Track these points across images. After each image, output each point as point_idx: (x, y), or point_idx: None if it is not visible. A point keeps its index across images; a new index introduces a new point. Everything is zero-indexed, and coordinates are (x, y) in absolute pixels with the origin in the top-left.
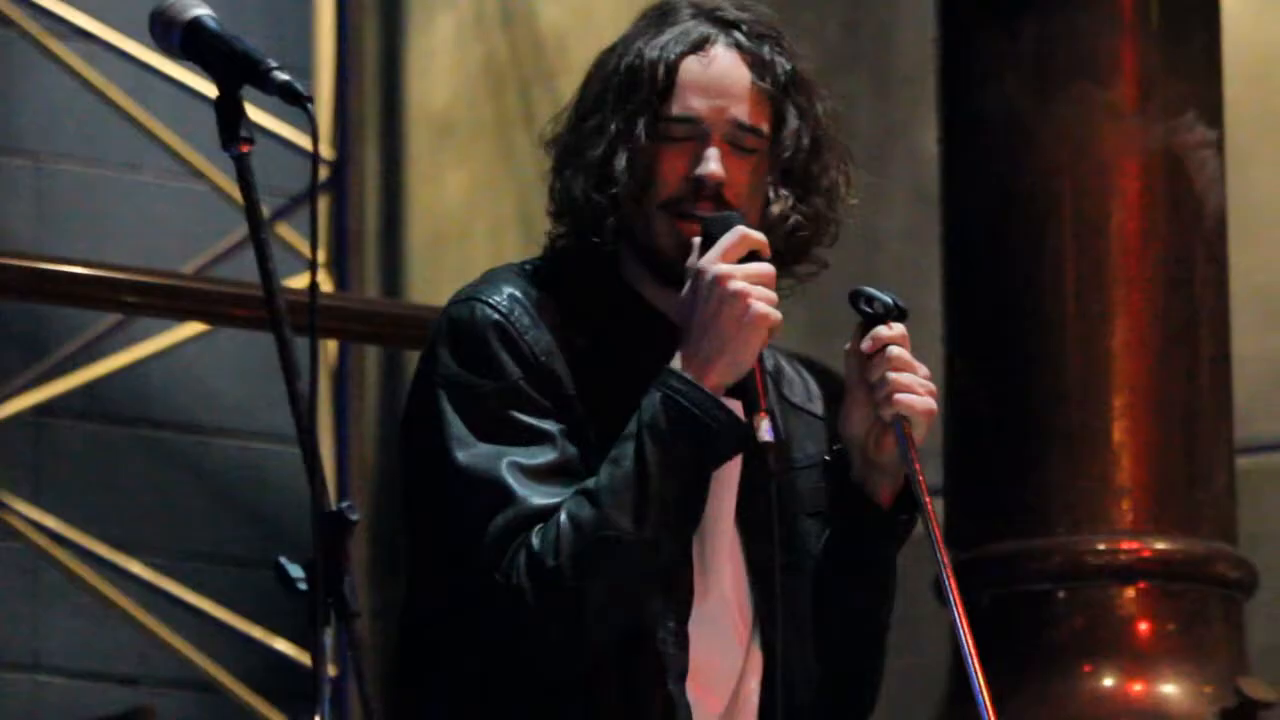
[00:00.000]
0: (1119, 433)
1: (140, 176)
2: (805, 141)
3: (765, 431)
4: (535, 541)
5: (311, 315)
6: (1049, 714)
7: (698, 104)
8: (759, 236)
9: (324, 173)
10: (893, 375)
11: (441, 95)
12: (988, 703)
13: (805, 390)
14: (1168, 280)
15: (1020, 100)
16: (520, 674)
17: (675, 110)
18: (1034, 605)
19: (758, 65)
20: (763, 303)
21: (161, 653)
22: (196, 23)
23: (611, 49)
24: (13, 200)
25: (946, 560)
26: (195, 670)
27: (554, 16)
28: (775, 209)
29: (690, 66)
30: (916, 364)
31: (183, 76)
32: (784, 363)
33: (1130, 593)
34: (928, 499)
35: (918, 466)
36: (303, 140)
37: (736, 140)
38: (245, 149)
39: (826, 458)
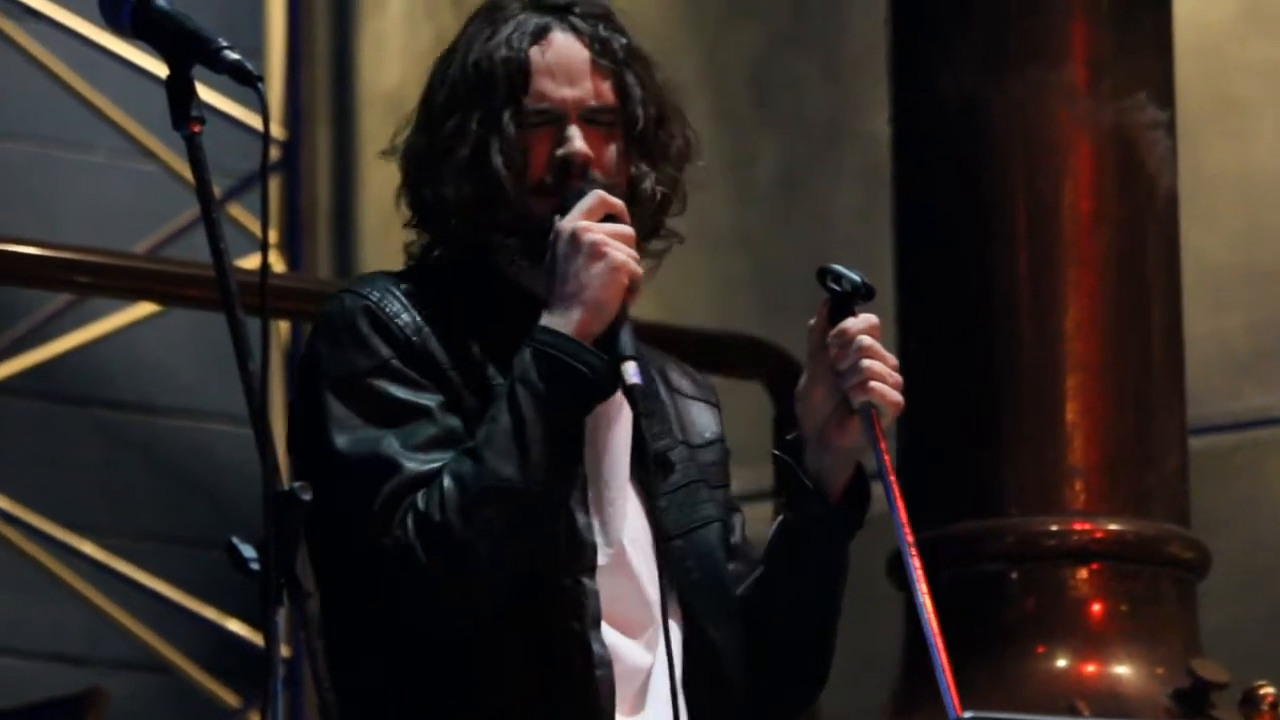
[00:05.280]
0: (1071, 414)
1: (91, 156)
2: (651, 111)
3: (632, 374)
4: (420, 501)
5: (262, 295)
6: (1002, 695)
7: (550, 90)
8: (616, 201)
9: (275, 153)
10: (866, 363)
11: (393, 75)
12: (951, 685)
13: (693, 383)
14: (1120, 261)
15: (972, 81)
16: (431, 642)
17: (531, 102)
18: (987, 586)
19: (595, 43)
20: (621, 251)
21: (113, 633)
22: (146, 1)
23: (448, 54)
24: None
25: (915, 552)
26: (147, 651)
27: None
28: (645, 185)
29: (534, 56)
30: (887, 354)
31: (134, 56)
32: (667, 364)
33: (1083, 573)
34: (896, 488)
35: (885, 451)
36: (255, 120)
37: (591, 117)
38: (196, 129)
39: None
